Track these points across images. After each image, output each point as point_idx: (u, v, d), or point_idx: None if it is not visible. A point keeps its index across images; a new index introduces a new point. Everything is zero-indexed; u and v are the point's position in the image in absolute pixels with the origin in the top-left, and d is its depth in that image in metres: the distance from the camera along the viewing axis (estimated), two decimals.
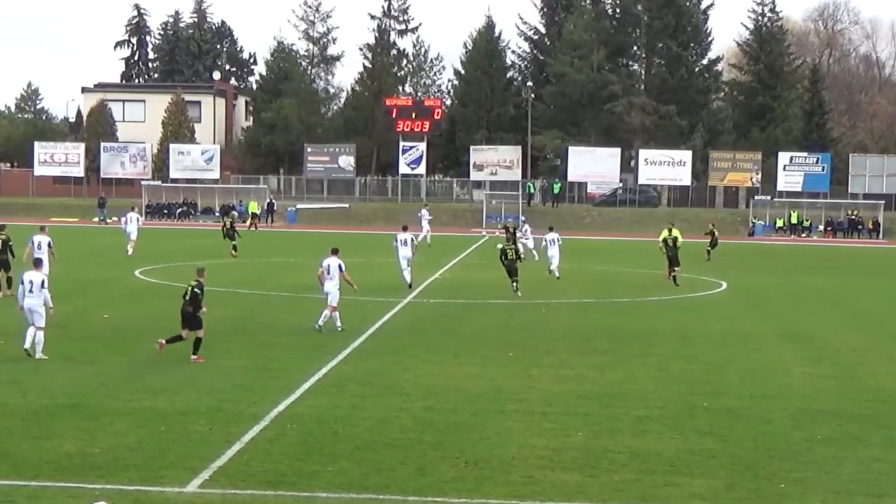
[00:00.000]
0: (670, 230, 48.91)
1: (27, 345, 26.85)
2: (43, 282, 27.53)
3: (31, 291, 27.21)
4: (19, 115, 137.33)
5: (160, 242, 66.39)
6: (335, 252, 32.97)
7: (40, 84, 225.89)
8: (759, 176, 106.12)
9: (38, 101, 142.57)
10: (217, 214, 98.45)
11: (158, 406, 21.70)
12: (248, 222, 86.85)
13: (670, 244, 48.24)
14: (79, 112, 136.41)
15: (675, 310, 39.96)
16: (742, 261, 64.68)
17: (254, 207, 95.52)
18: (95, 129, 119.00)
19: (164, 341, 26.81)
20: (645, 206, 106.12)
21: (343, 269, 32.48)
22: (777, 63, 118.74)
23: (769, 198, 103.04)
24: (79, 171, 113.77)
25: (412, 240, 45.18)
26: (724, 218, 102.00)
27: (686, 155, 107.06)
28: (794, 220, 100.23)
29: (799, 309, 41.32)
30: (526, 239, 59.28)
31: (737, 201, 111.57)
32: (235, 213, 69.11)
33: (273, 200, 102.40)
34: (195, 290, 27.22)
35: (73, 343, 29.02)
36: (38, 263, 29.15)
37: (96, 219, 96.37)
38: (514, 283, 42.53)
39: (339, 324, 32.19)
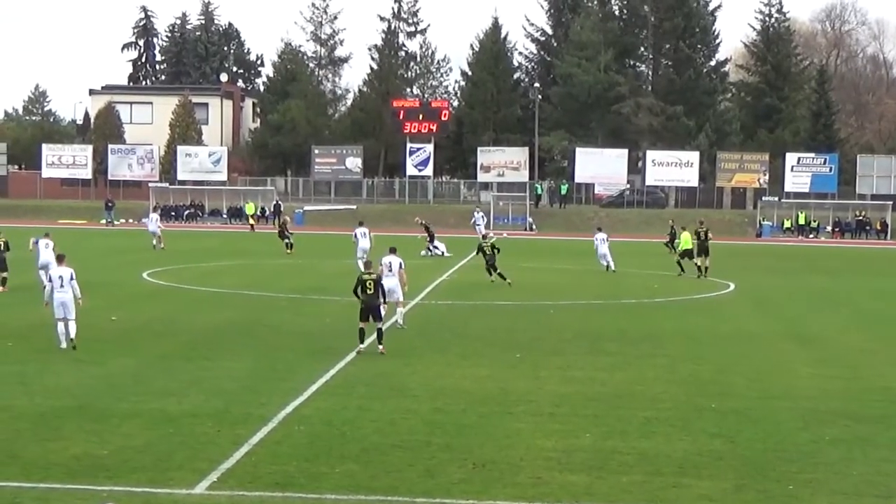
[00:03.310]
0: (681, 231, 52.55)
1: (64, 344, 28.23)
2: (71, 275, 28.83)
3: (62, 287, 28.47)
4: (27, 118, 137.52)
5: (168, 244, 66.33)
6: (393, 251, 33.43)
7: (48, 86, 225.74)
8: (767, 177, 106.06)
9: (45, 104, 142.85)
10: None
11: (166, 408, 21.70)
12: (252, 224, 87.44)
13: (702, 237, 51.68)
14: (86, 114, 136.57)
15: (682, 311, 39.94)
16: (750, 262, 64.66)
17: (251, 209, 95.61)
18: (103, 131, 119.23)
19: None
20: (652, 208, 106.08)
21: (402, 266, 33.01)
22: (784, 64, 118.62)
23: (777, 199, 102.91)
24: (86, 174, 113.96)
25: (369, 232, 50.86)
26: (732, 219, 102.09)
27: (693, 156, 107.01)
28: (801, 221, 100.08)
29: (807, 310, 41.27)
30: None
31: (744, 202, 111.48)
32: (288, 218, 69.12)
33: (280, 202, 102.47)
34: None
35: (80, 345, 28.98)
36: (61, 259, 30.17)
37: (104, 221, 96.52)
38: (494, 278, 44.96)
39: (401, 321, 32.86)
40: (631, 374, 26.48)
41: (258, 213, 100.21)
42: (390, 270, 32.55)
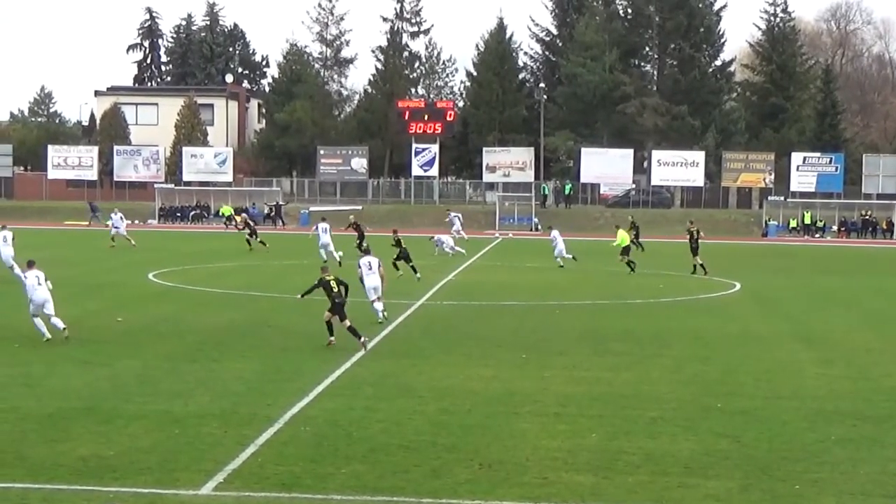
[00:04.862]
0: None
1: (49, 335, 29.37)
2: (45, 276, 30.64)
3: (39, 284, 30.11)
4: (33, 119, 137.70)
5: (173, 245, 66.48)
6: (367, 251, 37.14)
7: (54, 88, 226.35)
8: (773, 176, 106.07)
9: (51, 105, 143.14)
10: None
11: (172, 409, 21.71)
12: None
13: (695, 236, 53.41)
14: (92, 115, 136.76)
15: (688, 311, 39.94)
16: (755, 261, 64.65)
17: (227, 210, 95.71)
18: (108, 132, 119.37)
19: None
20: (658, 207, 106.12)
21: (381, 265, 34.97)
22: (790, 63, 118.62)
23: (782, 198, 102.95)
24: (92, 175, 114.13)
25: (330, 228, 56.06)
26: (738, 219, 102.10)
27: (699, 156, 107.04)
28: (807, 221, 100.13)
29: (813, 309, 41.24)
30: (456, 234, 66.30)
31: (750, 202, 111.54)
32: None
33: (280, 202, 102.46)
34: None
35: (86, 346, 29.08)
36: (31, 263, 31.48)
37: (85, 223, 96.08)
38: (402, 272, 47.56)
39: (382, 314, 34.36)
40: (637, 374, 26.47)
41: (267, 213, 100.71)
42: (371, 269, 34.18)
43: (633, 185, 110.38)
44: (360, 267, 34.60)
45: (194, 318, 35.41)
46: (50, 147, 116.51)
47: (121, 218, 69.23)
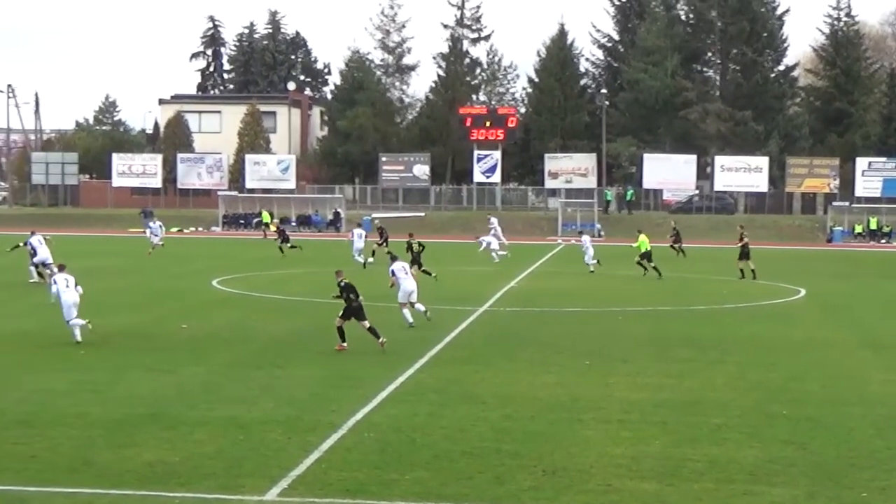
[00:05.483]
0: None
1: (80, 338, 30.57)
2: (75, 280, 31.74)
3: (68, 287, 31.06)
4: (98, 128, 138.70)
5: (236, 253, 66.82)
6: (395, 258, 36.94)
7: (118, 96, 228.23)
8: (837, 182, 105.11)
9: (116, 114, 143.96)
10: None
11: (237, 415, 21.83)
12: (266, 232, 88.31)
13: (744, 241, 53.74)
14: (156, 123, 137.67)
15: (752, 317, 39.66)
16: (820, 267, 64.18)
17: (267, 217, 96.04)
18: (172, 140, 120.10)
19: None
20: (721, 213, 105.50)
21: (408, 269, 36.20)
22: (854, 68, 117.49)
23: (847, 203, 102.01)
24: (156, 182, 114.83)
25: (365, 235, 60.47)
26: (802, 224, 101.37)
27: (762, 161, 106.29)
28: (873, 226, 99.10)
29: (879, 316, 40.90)
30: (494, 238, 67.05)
31: (814, 207, 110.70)
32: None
33: (339, 210, 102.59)
34: None
35: (151, 353, 29.31)
36: (62, 267, 33.16)
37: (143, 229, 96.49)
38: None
39: (411, 319, 34.92)
40: (701, 380, 26.35)
41: (331, 219, 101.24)
42: (406, 273, 35.34)
43: (697, 191, 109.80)
44: (393, 273, 35.41)
45: (258, 324, 35.59)
46: (115, 155, 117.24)
47: (160, 226, 70.93)
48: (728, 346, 31.87)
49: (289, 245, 66.67)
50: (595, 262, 56.81)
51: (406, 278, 35.13)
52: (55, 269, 35.71)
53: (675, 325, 36.77)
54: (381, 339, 29.69)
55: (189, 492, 16.71)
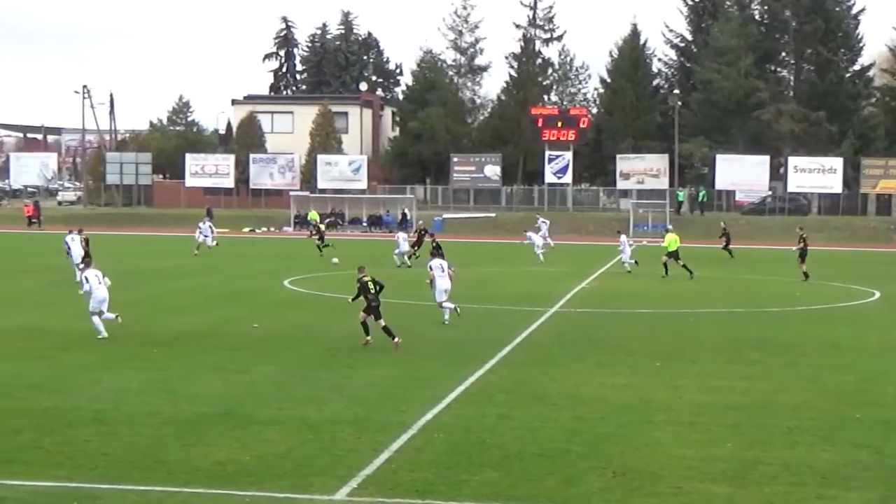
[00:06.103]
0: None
1: (106, 333, 31.30)
2: (103, 273, 32.65)
3: (100, 283, 31.85)
4: (171, 128, 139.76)
5: (309, 253, 67.02)
6: (436, 255, 38.31)
7: (191, 97, 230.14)
8: None
9: (189, 114, 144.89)
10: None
11: (307, 415, 21.91)
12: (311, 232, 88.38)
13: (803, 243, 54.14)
14: (229, 124, 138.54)
15: (826, 320, 39.31)
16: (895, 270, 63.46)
17: (314, 216, 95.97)
18: (245, 140, 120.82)
19: None
20: (795, 215, 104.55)
21: (451, 267, 37.17)
22: None
23: None
24: (229, 182, 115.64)
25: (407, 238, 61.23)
26: (877, 226, 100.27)
27: (836, 162, 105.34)
28: None
29: None
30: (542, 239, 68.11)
31: (889, 209, 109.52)
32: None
33: (407, 211, 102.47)
34: None
35: (223, 353, 29.49)
36: (89, 263, 34.62)
37: (220, 230, 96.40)
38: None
39: (448, 316, 35.70)
40: (772, 383, 26.14)
41: (400, 220, 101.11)
42: (443, 272, 35.82)
43: (770, 192, 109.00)
44: (431, 269, 36.08)
45: (329, 324, 35.70)
46: (188, 155, 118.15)
47: (210, 227, 70.79)
48: (801, 349, 31.61)
49: (323, 244, 67.85)
50: (633, 262, 57.16)
51: (442, 277, 35.74)
52: (82, 266, 36.11)
53: (747, 328, 36.51)
54: (395, 339, 30.20)
55: (259, 490, 16.79)
